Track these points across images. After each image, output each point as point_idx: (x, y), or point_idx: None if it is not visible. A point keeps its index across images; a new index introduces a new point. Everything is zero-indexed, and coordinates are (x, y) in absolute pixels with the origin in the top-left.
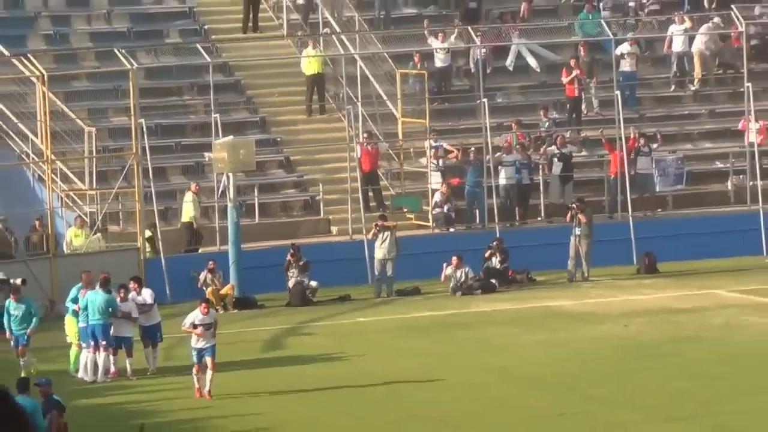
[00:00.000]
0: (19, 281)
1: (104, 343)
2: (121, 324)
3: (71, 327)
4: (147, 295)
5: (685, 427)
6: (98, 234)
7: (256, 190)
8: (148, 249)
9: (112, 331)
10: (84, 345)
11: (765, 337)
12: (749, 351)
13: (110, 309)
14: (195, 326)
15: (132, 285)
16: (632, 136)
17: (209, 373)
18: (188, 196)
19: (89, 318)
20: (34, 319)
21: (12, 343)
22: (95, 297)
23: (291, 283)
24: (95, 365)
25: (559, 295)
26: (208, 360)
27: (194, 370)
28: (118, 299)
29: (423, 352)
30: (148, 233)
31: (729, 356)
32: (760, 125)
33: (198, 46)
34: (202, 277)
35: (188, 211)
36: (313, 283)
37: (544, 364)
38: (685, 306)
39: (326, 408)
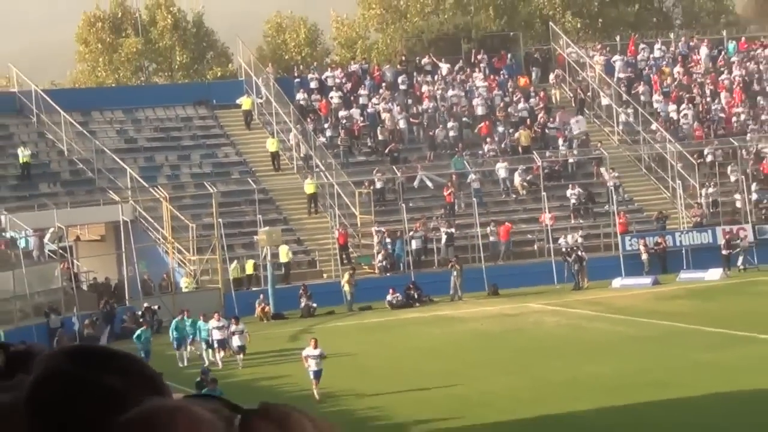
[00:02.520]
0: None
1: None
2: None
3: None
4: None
5: (514, 378)
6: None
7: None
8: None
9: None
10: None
11: (555, 329)
12: (547, 336)
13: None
14: (306, 357)
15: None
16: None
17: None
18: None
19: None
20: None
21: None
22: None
23: (302, 305)
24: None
25: (446, 308)
26: (314, 380)
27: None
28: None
29: (374, 340)
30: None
31: (536, 339)
32: (550, 216)
33: (249, 180)
34: (257, 304)
35: (248, 268)
36: (314, 304)
37: (438, 344)
38: (513, 313)
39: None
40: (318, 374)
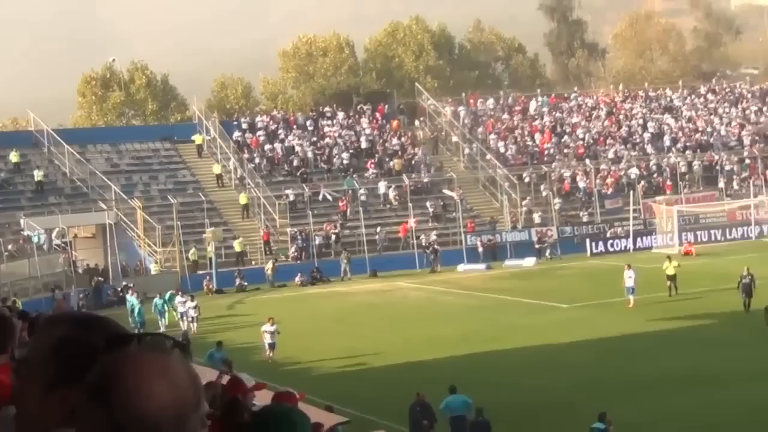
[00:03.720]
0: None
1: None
2: None
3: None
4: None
5: (389, 335)
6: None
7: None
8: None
9: None
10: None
11: (417, 301)
12: (412, 306)
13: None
14: (264, 332)
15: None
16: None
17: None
18: (192, 251)
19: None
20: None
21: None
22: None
23: (237, 283)
24: None
25: (339, 286)
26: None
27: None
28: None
29: (289, 308)
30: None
31: (404, 308)
32: (414, 220)
33: (200, 194)
34: (204, 283)
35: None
36: (245, 283)
37: (334, 311)
38: (387, 289)
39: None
40: (272, 346)
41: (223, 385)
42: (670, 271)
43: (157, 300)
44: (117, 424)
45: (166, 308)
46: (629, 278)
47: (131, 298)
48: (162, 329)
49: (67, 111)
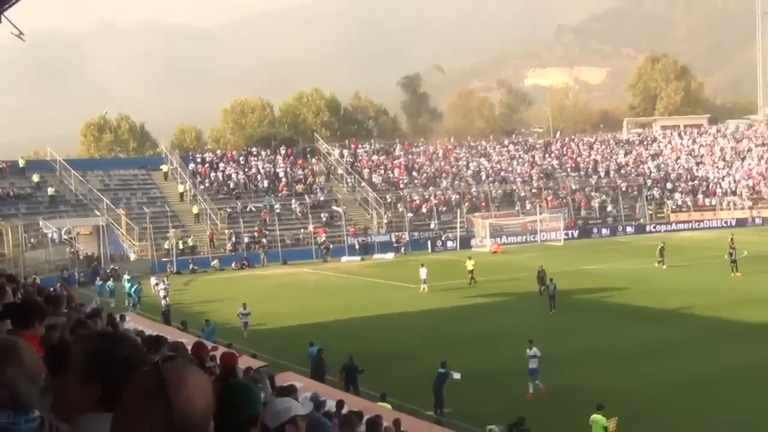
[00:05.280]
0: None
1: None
2: None
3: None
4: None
5: (294, 305)
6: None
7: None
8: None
9: None
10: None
11: (314, 282)
12: (311, 285)
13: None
14: (239, 314)
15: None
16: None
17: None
18: (168, 243)
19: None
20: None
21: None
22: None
23: (190, 267)
24: None
25: (260, 270)
26: (244, 328)
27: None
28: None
29: (227, 286)
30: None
31: (305, 287)
32: (313, 227)
33: (166, 206)
34: (167, 267)
35: (167, 246)
36: (197, 267)
37: (258, 288)
38: (294, 273)
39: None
40: (246, 324)
41: (193, 347)
42: (470, 267)
43: (126, 279)
44: (171, 422)
45: (134, 287)
46: (423, 272)
47: (125, 278)
48: (130, 304)
49: (73, 146)
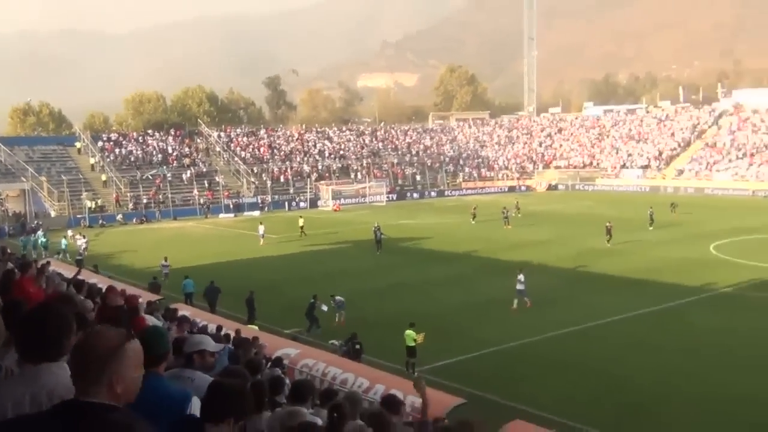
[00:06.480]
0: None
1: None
2: None
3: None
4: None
5: (189, 252)
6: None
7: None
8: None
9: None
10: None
11: (199, 233)
12: (197, 236)
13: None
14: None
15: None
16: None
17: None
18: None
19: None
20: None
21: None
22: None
23: (99, 222)
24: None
25: (169, 224)
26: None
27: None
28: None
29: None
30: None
31: (193, 237)
32: (197, 192)
33: (79, 175)
34: (80, 222)
35: (84, 204)
36: (106, 223)
37: (159, 238)
38: (183, 227)
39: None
40: (167, 275)
41: (105, 289)
42: (300, 223)
43: (41, 235)
44: None
45: (45, 240)
46: (261, 229)
47: (39, 233)
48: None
49: (2, 126)
